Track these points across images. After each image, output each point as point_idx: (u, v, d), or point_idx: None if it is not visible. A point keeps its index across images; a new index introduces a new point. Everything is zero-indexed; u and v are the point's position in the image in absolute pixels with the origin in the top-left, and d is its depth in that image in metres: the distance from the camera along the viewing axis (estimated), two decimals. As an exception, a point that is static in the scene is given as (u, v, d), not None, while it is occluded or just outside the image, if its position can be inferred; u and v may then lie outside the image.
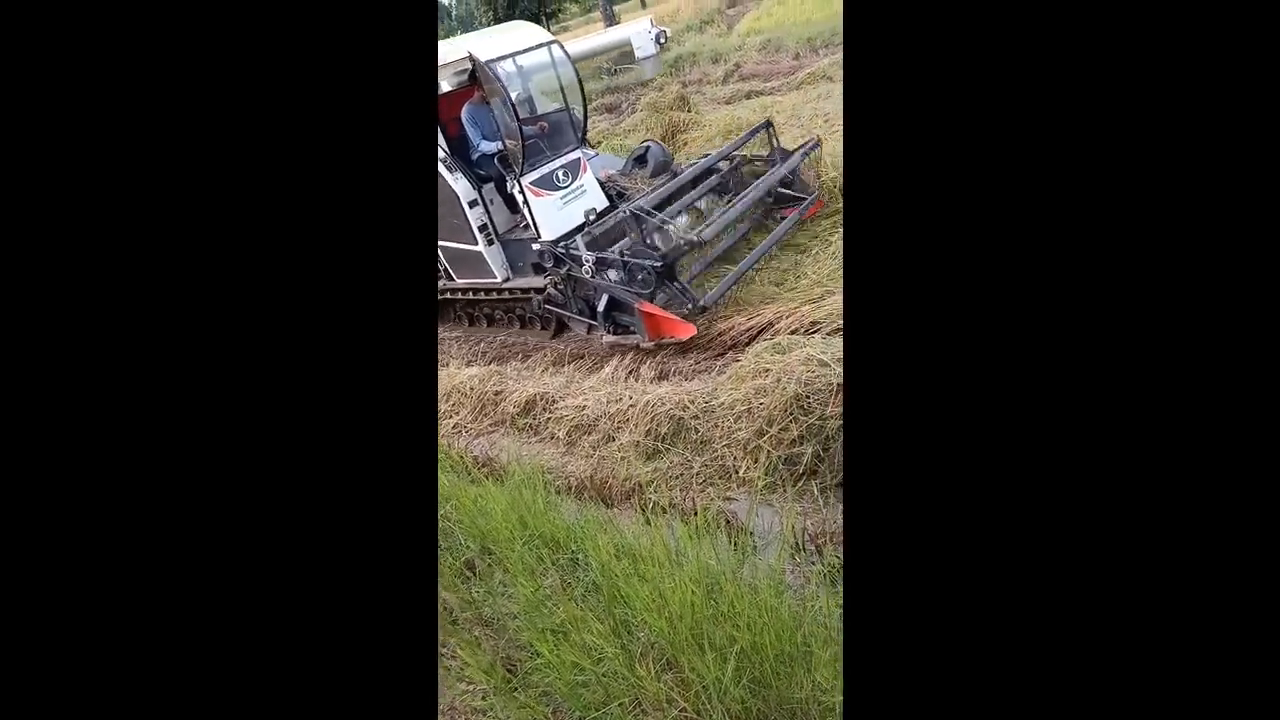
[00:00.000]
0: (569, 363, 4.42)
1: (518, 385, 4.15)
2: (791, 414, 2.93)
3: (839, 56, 8.86)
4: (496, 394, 4.16)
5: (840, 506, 2.71)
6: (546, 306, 4.56)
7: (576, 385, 3.99)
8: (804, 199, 4.75)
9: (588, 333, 4.40)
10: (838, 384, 2.86)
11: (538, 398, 3.95)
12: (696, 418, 3.31)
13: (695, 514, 2.58)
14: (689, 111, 8.04)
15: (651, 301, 3.94)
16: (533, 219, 4.47)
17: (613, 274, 4.06)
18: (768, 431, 2.97)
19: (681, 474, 3.13)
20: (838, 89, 7.80)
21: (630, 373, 4.01)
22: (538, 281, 4.57)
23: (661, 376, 3.90)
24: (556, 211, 4.58)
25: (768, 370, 3.12)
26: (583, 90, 5.05)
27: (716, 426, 3.19)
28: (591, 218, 4.60)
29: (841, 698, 1.37)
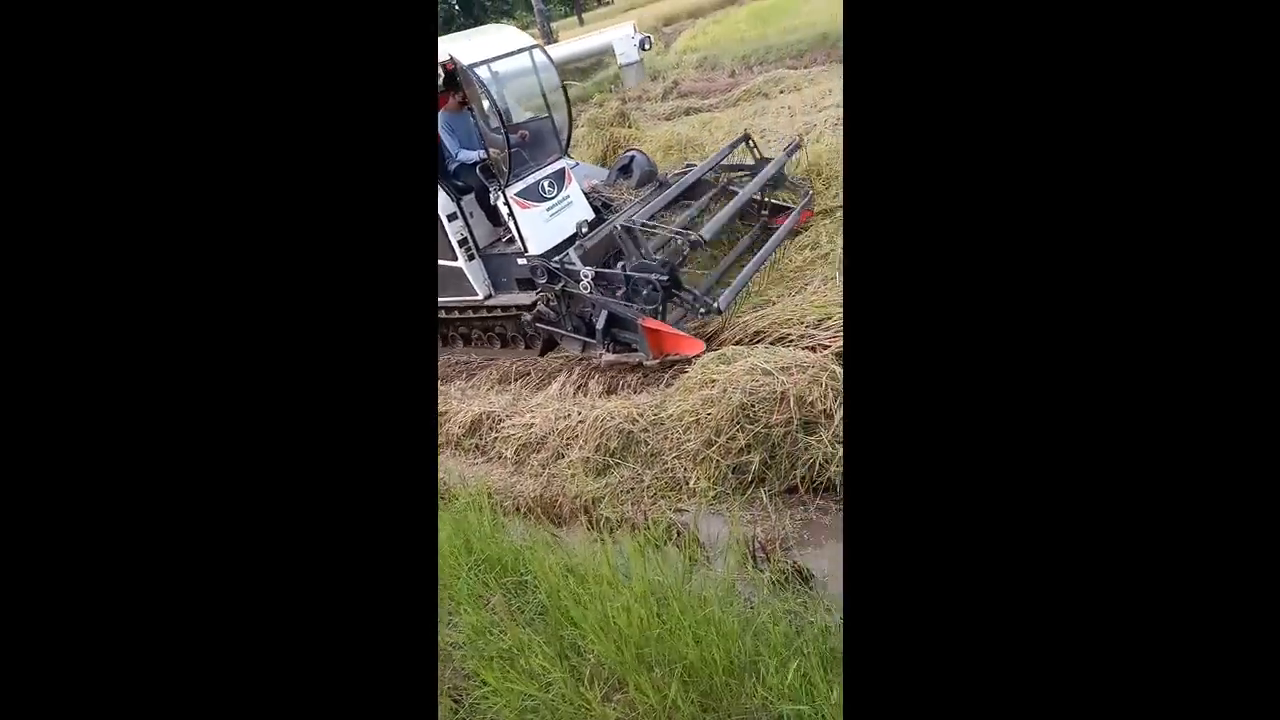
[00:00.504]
0: (515, 380, 4.34)
1: (462, 405, 4.06)
2: (738, 423, 2.95)
3: (774, 73, 9.12)
4: (441, 414, 4.05)
5: (789, 512, 2.73)
6: (538, 325, 4.27)
7: (524, 403, 3.92)
8: (792, 209, 4.64)
9: (582, 351, 4.15)
10: (781, 392, 2.90)
11: (484, 417, 3.86)
12: (646, 430, 3.30)
13: (646, 528, 2.55)
14: (629, 128, 8.11)
15: (662, 317, 3.75)
16: (519, 232, 4.22)
17: (611, 289, 3.87)
18: (716, 441, 2.98)
19: (632, 488, 3.11)
20: (774, 104, 8.01)
21: (578, 388, 3.97)
22: (524, 298, 4.31)
23: (610, 391, 3.88)
24: (544, 224, 4.33)
25: (714, 381, 3.14)
26: (567, 97, 4.84)
27: (666, 438, 3.19)
28: (584, 229, 4.36)
29: (790, 706, 1.37)
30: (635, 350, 3.86)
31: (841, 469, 2.69)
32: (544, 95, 4.64)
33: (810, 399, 2.85)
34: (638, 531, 2.53)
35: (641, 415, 3.34)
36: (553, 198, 4.47)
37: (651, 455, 3.21)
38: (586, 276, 3.87)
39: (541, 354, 4.50)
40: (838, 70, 8.52)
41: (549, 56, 4.79)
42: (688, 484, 2.97)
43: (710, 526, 2.70)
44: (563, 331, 4.18)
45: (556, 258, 4.07)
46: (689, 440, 3.07)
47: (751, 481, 2.87)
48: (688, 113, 9.05)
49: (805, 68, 9.29)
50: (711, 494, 2.87)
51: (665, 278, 3.68)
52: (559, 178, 4.56)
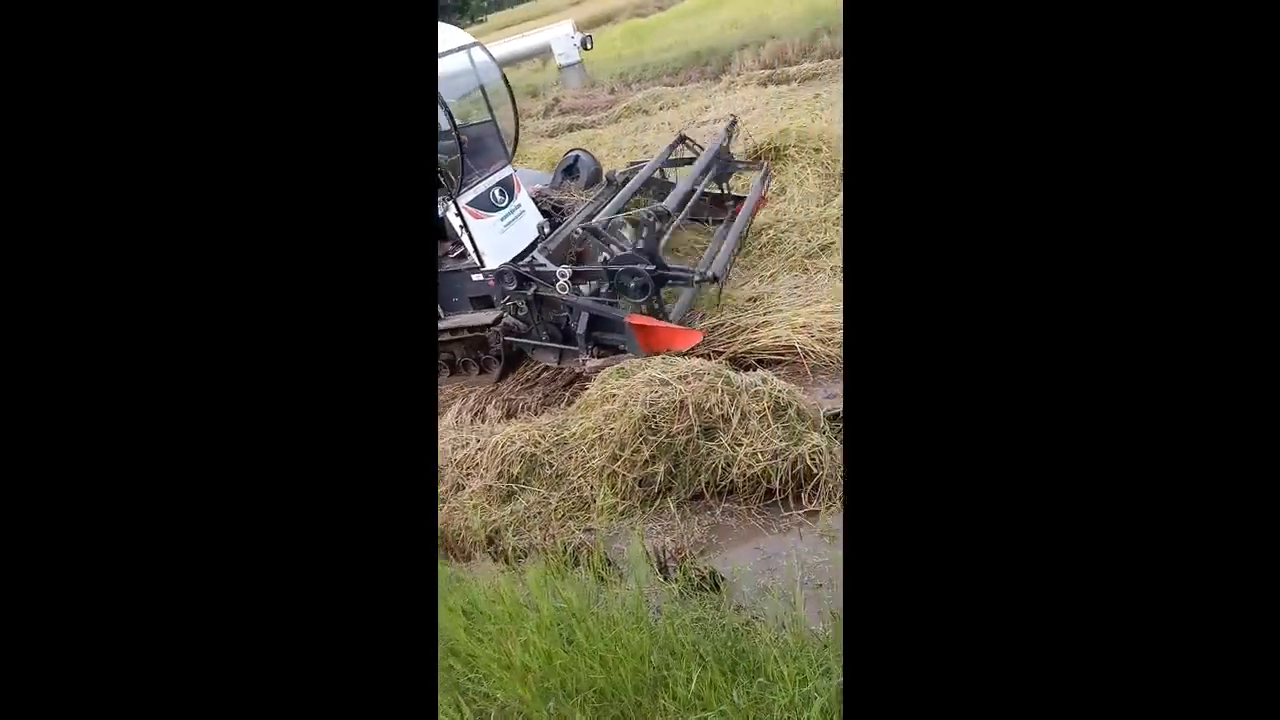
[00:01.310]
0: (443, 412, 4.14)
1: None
2: (641, 435, 2.95)
3: (653, 90, 9.35)
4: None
5: (696, 519, 2.76)
6: (506, 339, 3.90)
7: (419, 436, 3.73)
8: (743, 198, 4.50)
9: (559, 362, 3.83)
10: (680, 400, 2.93)
11: (377, 456, 3.64)
12: (549, 452, 3.23)
13: (555, 552, 2.49)
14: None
15: (661, 310, 3.52)
16: (474, 245, 3.89)
17: (585, 289, 3.64)
18: (621, 455, 2.97)
19: (539, 512, 3.03)
20: (654, 120, 8.22)
21: (475, 414, 3.83)
22: (483, 317, 3.95)
23: (509, 415, 3.78)
24: (499, 235, 4.02)
25: (614, 395, 3.13)
26: (512, 98, 4.47)
27: (571, 458, 3.14)
28: (546, 230, 4.15)
29: (700, 714, 1.36)
30: (622, 351, 3.59)
31: (743, 470, 2.76)
32: (485, 97, 4.29)
33: (708, 405, 2.90)
34: (545, 557, 2.46)
35: (544, 437, 3.27)
36: (504, 206, 4.17)
37: (557, 477, 3.14)
38: (563, 277, 3.55)
39: (501, 378, 4.12)
40: (713, 87, 8.87)
41: (490, 55, 4.46)
42: (594, 502, 2.94)
43: (619, 543, 2.68)
44: (535, 342, 3.83)
45: (524, 261, 3.79)
46: (594, 457, 3.04)
47: (658, 492, 2.88)
48: (570, 129, 9.10)
49: (681, 84, 9.61)
50: (619, 509, 2.85)
51: (653, 266, 3.44)
52: (508, 185, 4.25)
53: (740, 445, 2.81)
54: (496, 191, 4.15)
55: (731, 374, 3.00)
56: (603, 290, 3.63)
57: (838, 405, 3.02)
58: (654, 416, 2.96)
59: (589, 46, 4.72)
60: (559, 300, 3.62)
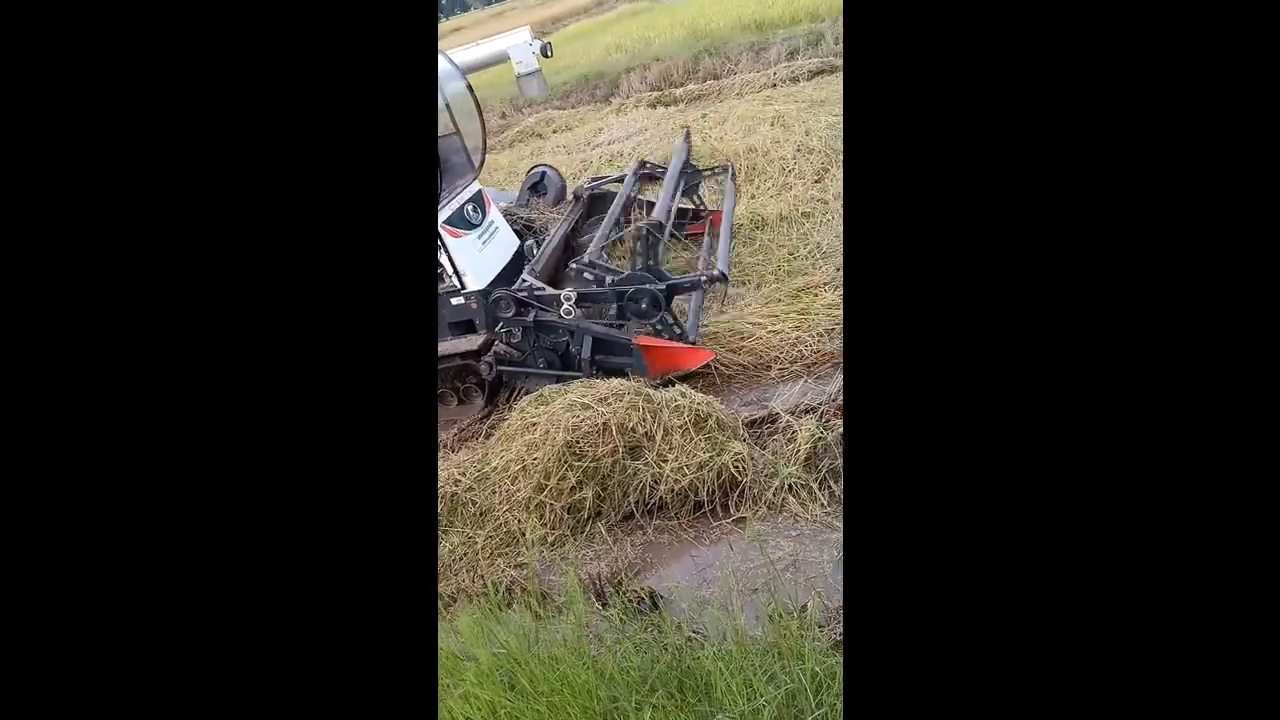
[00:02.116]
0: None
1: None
2: (566, 462, 2.91)
3: (544, 114, 9.37)
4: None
5: (628, 540, 2.75)
6: (500, 369, 3.62)
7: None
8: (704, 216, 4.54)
9: None
10: (603, 423, 2.92)
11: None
12: (471, 489, 3.12)
13: (487, 594, 2.40)
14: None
15: (675, 327, 3.39)
16: (454, 266, 3.61)
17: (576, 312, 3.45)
18: (547, 485, 2.92)
19: (466, 553, 2.91)
20: (549, 144, 8.23)
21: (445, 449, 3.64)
22: (464, 343, 3.60)
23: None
24: (477, 254, 3.73)
25: (535, 424, 3.08)
26: (479, 108, 4.17)
27: (494, 493, 3.04)
28: (534, 251, 3.91)
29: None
30: (628, 375, 3.42)
31: (671, 486, 2.78)
32: (448, 108, 3.96)
33: (631, 424, 2.91)
34: (477, 601, 2.36)
35: (465, 474, 3.16)
36: (480, 224, 3.89)
37: (481, 514, 3.04)
38: (568, 300, 3.37)
39: (487, 408, 3.78)
40: (604, 109, 9.01)
41: (454, 63, 4.15)
42: (523, 535, 2.86)
43: (552, 574, 2.62)
44: (530, 370, 3.61)
45: (520, 286, 3.53)
46: (519, 490, 2.96)
47: (588, 518, 2.85)
48: (465, 157, 8.92)
49: (573, 107, 9.69)
50: (549, 540, 2.79)
51: (663, 286, 3.33)
52: (479, 201, 3.98)
53: (666, 461, 2.83)
54: (470, 208, 3.90)
55: (651, 391, 3.02)
56: (609, 313, 3.50)
57: (754, 413, 3.12)
58: (577, 441, 2.93)
59: (549, 54, 4.38)
60: (558, 324, 3.45)
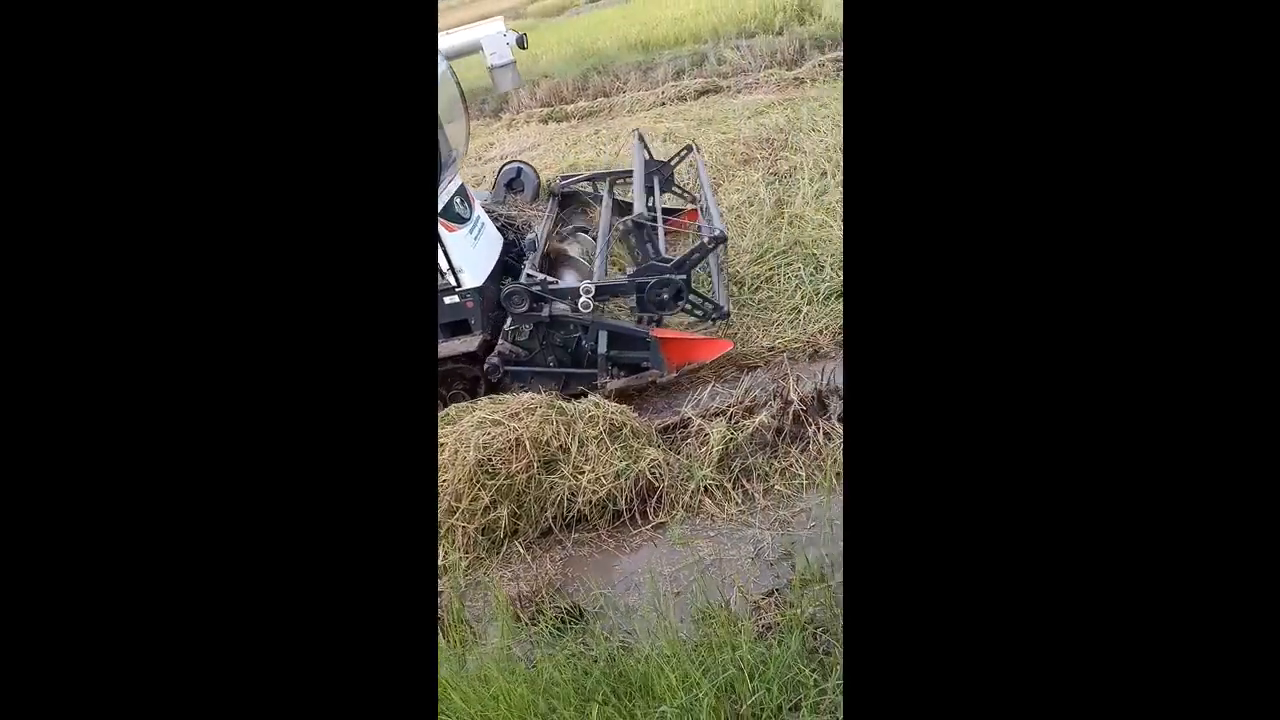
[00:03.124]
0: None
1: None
2: (478, 481, 2.82)
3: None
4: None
5: (547, 557, 2.71)
6: (507, 369, 3.38)
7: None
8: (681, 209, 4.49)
9: (564, 388, 3.41)
10: (515, 439, 2.87)
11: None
12: (376, 519, 2.95)
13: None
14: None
15: (697, 308, 3.27)
16: (449, 262, 3.33)
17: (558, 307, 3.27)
18: (458, 507, 2.81)
19: (374, 588, 2.74)
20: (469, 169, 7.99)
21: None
22: (461, 344, 3.37)
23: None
24: (472, 249, 3.49)
25: (442, 444, 2.96)
26: (462, 95, 3.91)
27: (401, 521, 2.89)
28: (530, 245, 3.69)
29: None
30: (646, 369, 3.32)
31: (589, 497, 2.77)
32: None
33: (545, 438, 2.87)
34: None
35: (368, 503, 2.97)
36: (469, 218, 3.63)
37: (389, 544, 2.87)
38: (587, 294, 3.19)
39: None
40: (494, 124, 8.90)
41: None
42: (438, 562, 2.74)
43: (471, 600, 2.53)
44: (539, 369, 3.41)
45: (530, 280, 3.29)
46: (429, 515, 2.84)
47: (504, 538, 2.78)
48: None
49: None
50: (464, 565, 2.69)
51: (683, 275, 3.20)
52: (465, 195, 3.73)
53: (582, 473, 2.82)
54: (458, 201, 3.66)
55: (564, 403, 3.01)
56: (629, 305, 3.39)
57: (667, 419, 3.18)
58: (489, 459, 2.85)
59: (524, 46, 4.16)
60: (570, 320, 3.30)
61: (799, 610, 1.85)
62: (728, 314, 3.46)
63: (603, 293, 3.31)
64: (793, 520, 2.58)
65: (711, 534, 2.64)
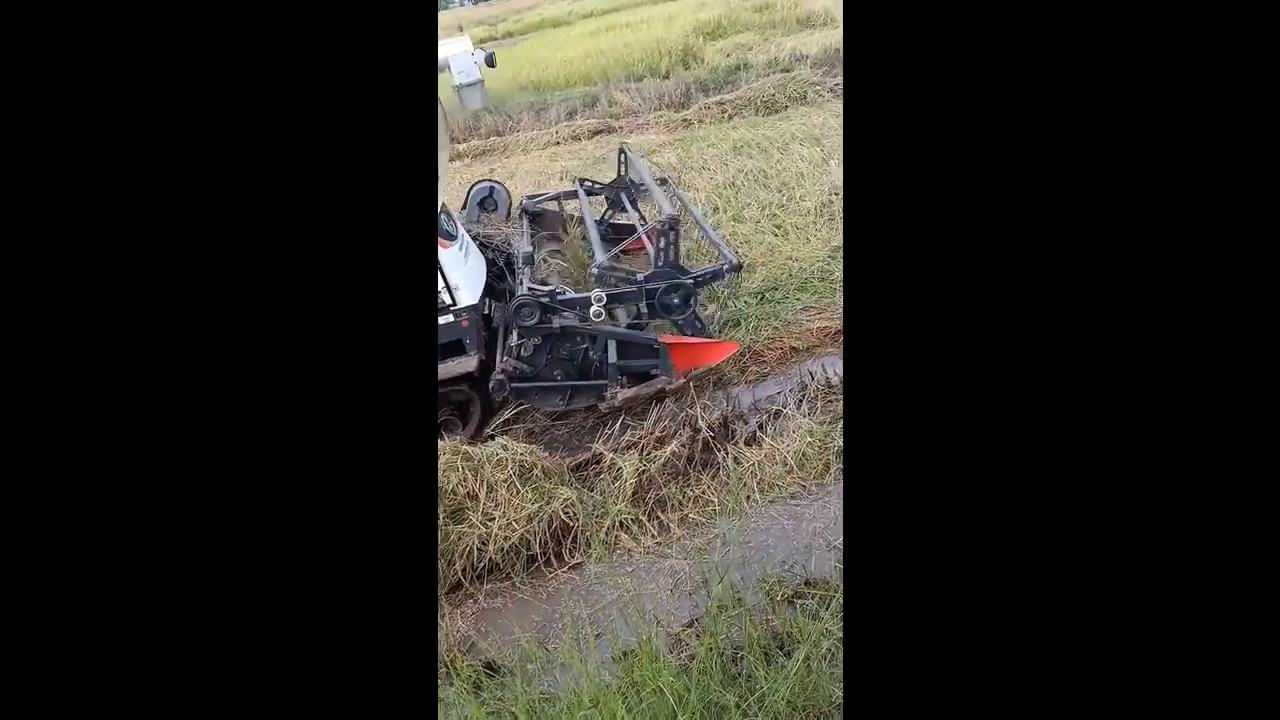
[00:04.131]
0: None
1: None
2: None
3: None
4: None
5: (458, 611, 2.57)
6: (515, 386, 3.24)
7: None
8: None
9: (567, 403, 3.35)
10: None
11: None
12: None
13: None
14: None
15: (695, 320, 3.31)
16: (445, 279, 3.19)
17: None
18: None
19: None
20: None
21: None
22: (458, 365, 3.21)
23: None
24: (464, 266, 3.36)
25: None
26: (443, 113, 3.73)
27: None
28: (533, 257, 3.65)
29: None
30: (654, 376, 3.29)
31: (500, 545, 2.67)
32: None
33: (450, 486, 2.75)
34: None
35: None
36: (457, 235, 3.45)
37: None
38: (599, 302, 3.14)
39: (476, 434, 3.33)
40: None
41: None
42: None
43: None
44: (545, 384, 3.30)
45: (540, 290, 3.16)
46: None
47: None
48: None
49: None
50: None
51: (692, 279, 3.25)
52: (447, 213, 3.61)
53: (492, 519, 2.72)
54: (444, 218, 3.56)
55: (469, 448, 2.90)
56: (641, 311, 3.36)
57: (577, 457, 3.14)
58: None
59: (493, 64, 3.97)
60: (577, 332, 3.22)
61: (718, 637, 1.86)
62: (739, 265, 3.56)
63: (613, 301, 3.31)
64: (708, 546, 2.60)
65: (629, 569, 2.61)
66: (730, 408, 3.28)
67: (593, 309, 3.20)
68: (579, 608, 2.44)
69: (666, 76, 9.74)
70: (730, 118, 7.59)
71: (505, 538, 2.68)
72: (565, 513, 2.76)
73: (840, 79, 7.95)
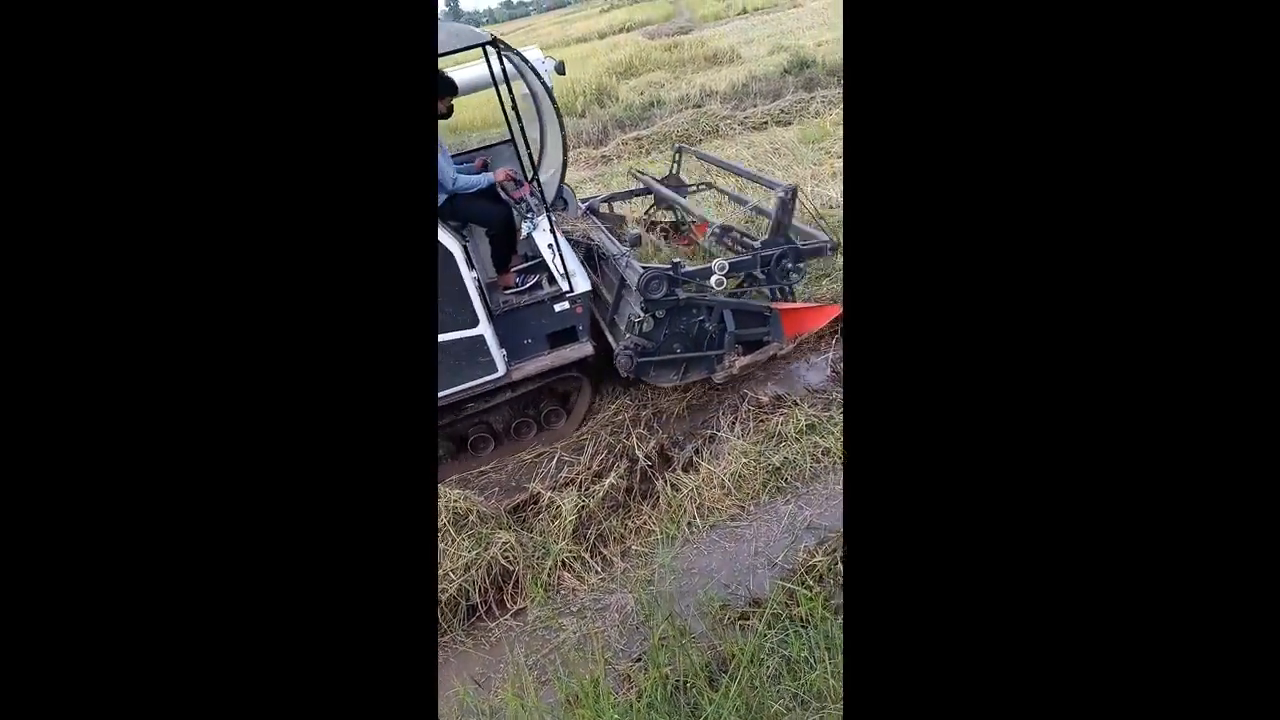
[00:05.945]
0: None
1: None
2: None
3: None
4: None
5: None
6: (639, 360, 3.26)
7: None
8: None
9: (681, 378, 3.40)
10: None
11: None
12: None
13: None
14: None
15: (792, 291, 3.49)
16: (565, 268, 3.24)
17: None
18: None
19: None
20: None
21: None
22: (571, 352, 3.28)
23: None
24: (574, 254, 3.53)
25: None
26: (557, 109, 3.85)
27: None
28: (631, 240, 3.85)
29: None
30: (767, 343, 3.41)
31: (438, 597, 2.56)
32: (512, 106, 3.11)
33: (380, 542, 2.64)
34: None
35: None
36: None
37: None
38: (720, 270, 3.18)
39: (580, 425, 3.45)
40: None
41: (519, 55, 3.47)
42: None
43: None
44: (665, 357, 3.33)
45: (663, 266, 3.20)
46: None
47: (346, 663, 2.47)
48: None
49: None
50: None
51: (791, 243, 3.37)
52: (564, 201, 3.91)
53: (445, 557, 2.62)
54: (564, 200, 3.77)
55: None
56: (758, 277, 3.42)
57: (515, 499, 3.08)
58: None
59: (563, 71, 3.96)
60: (698, 303, 3.27)
61: (662, 669, 1.85)
62: (837, 245, 3.62)
63: (734, 269, 3.35)
64: (652, 577, 2.59)
65: (574, 609, 2.56)
66: (665, 435, 3.31)
67: (713, 278, 3.22)
68: (522, 655, 2.37)
69: (583, 115, 9.93)
70: (648, 153, 7.80)
71: (442, 590, 2.59)
72: (505, 557, 2.69)
73: (749, 112, 8.33)
